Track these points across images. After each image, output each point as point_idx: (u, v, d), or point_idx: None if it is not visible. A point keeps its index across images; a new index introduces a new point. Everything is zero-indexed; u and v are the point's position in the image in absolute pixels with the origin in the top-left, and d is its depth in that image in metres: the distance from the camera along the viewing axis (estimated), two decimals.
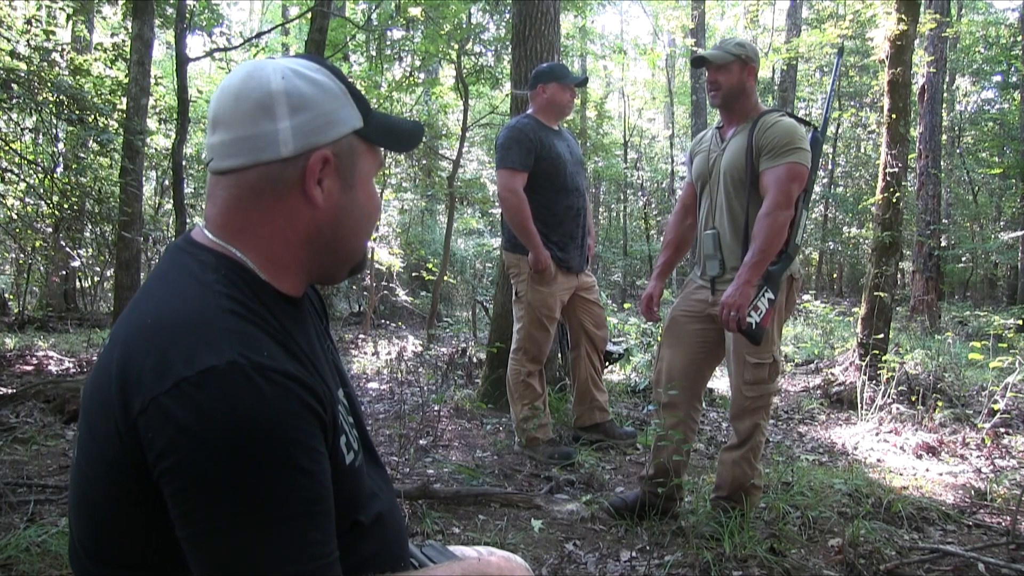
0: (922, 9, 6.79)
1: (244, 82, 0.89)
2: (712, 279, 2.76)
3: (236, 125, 0.88)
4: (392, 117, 1.01)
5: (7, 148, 6.77)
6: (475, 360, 5.93)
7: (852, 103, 17.43)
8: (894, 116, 5.52)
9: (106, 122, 6.41)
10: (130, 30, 6.69)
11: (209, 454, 0.74)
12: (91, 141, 6.67)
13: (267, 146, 0.88)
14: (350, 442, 0.93)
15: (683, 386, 2.80)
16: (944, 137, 14.39)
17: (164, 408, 0.75)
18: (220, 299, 0.84)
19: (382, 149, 1.00)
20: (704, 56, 2.70)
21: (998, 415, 4.27)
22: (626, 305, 11.54)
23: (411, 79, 10.41)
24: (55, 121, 6.96)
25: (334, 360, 1.04)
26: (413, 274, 11.14)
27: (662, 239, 2.99)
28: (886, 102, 5.61)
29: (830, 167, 17.38)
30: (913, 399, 4.75)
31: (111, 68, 7.90)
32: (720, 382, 5.90)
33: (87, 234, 7.98)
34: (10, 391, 4.35)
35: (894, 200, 5.44)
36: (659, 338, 3.18)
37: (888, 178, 5.47)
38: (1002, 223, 16.31)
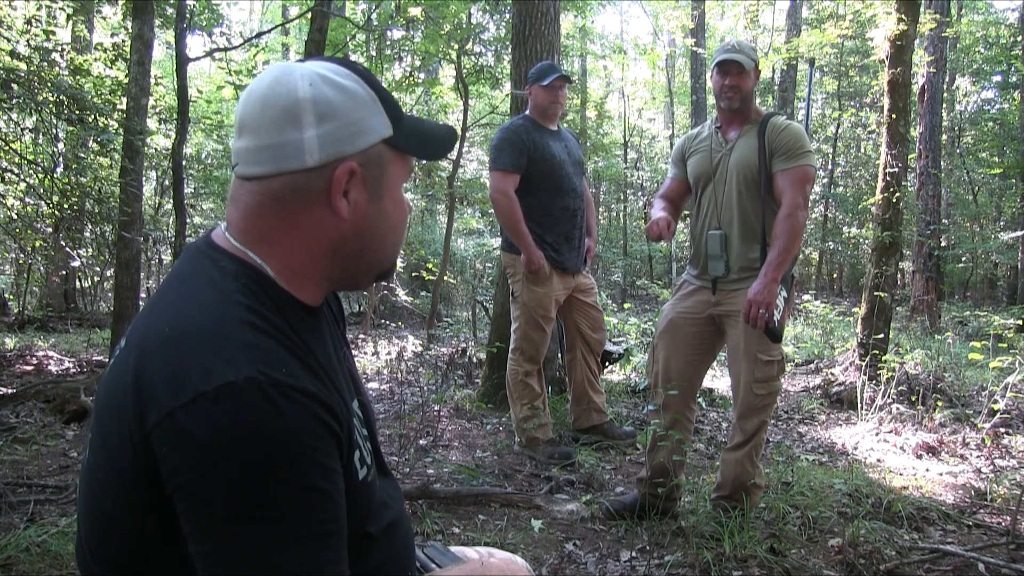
0: (922, 9, 6.79)
1: (271, 88, 0.88)
2: (715, 279, 2.76)
3: (262, 132, 0.87)
4: (424, 122, 0.99)
5: (7, 148, 6.77)
6: (475, 360, 5.93)
7: (852, 103, 17.42)
8: (894, 116, 5.52)
9: (106, 122, 6.40)
10: (130, 30, 6.68)
11: (224, 472, 0.73)
12: (91, 141, 6.67)
13: (292, 155, 0.86)
14: (363, 457, 0.92)
15: (680, 387, 2.80)
16: (944, 137, 14.39)
17: (180, 423, 0.74)
18: (239, 310, 0.83)
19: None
20: (737, 60, 2.66)
21: (998, 415, 4.27)
22: (626, 305, 11.54)
23: (411, 79, 10.40)
24: (55, 121, 6.95)
25: (350, 368, 1.03)
26: (413, 274, 11.13)
27: (657, 204, 2.94)
28: (886, 102, 5.61)
29: (830, 167, 17.38)
30: (913, 399, 4.75)
31: (111, 68, 7.89)
32: (721, 382, 5.90)
33: (87, 234, 7.97)
34: (10, 391, 4.36)
35: (894, 200, 5.44)
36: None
37: (888, 178, 5.47)
38: (1002, 223, 16.29)
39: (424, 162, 11.63)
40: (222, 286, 0.85)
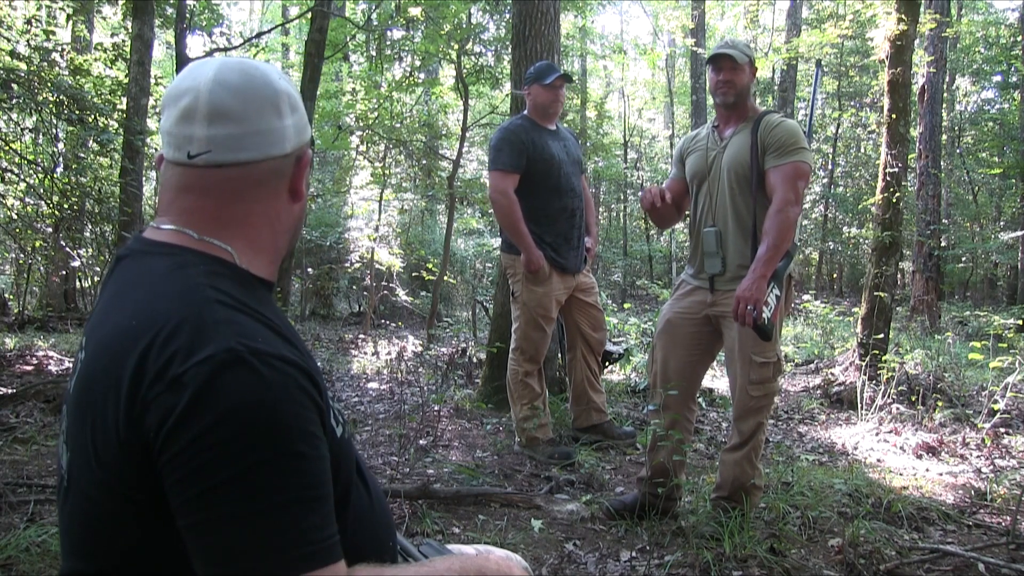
0: (922, 9, 6.78)
1: (247, 79, 0.92)
2: (711, 277, 2.76)
3: (247, 120, 0.90)
4: None
5: (7, 148, 6.77)
6: (475, 360, 5.92)
7: (852, 103, 17.42)
8: (894, 116, 5.51)
9: (106, 122, 6.41)
10: (130, 30, 6.69)
11: (209, 441, 0.75)
12: (91, 141, 6.67)
13: (276, 142, 0.93)
14: (337, 416, 0.94)
15: (679, 387, 2.80)
16: (944, 137, 14.38)
17: (166, 402, 0.76)
18: (206, 291, 0.85)
19: None
20: (729, 54, 2.66)
21: (998, 415, 4.26)
22: (626, 305, 11.54)
23: (411, 79, 10.41)
24: (55, 121, 6.96)
25: None
26: (413, 274, 11.13)
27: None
28: (886, 102, 5.61)
29: (830, 167, 17.36)
30: (913, 399, 4.75)
31: (111, 68, 7.89)
32: (721, 382, 5.90)
33: (87, 234, 7.97)
34: (10, 391, 4.35)
35: (894, 200, 5.44)
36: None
37: (888, 178, 5.47)
38: (1002, 223, 16.28)
39: (422, 161, 11.64)
40: (182, 273, 0.87)
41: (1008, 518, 2.98)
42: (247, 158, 0.91)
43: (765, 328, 2.47)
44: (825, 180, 16.95)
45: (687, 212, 3.06)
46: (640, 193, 2.90)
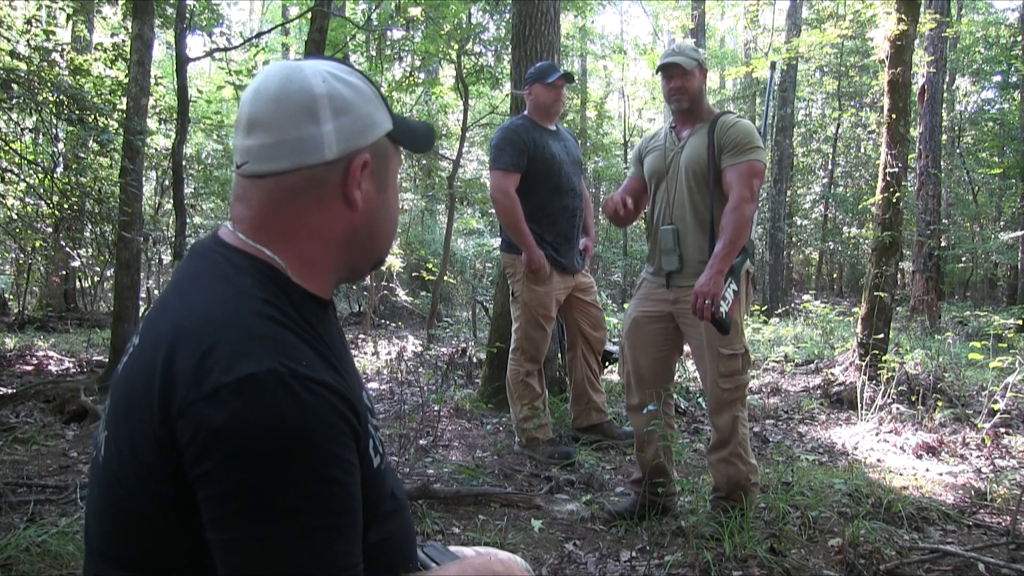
0: (922, 9, 6.78)
1: (283, 85, 0.89)
2: (668, 274, 2.79)
3: (278, 128, 0.88)
4: (407, 119, 1.03)
5: (7, 148, 6.77)
6: (475, 360, 5.93)
7: (852, 103, 17.42)
8: (894, 116, 5.51)
9: (106, 122, 6.40)
10: (130, 30, 6.68)
11: (243, 461, 0.74)
12: (91, 141, 6.67)
13: (311, 149, 0.89)
14: (376, 446, 0.93)
15: (653, 385, 2.85)
16: (944, 137, 14.38)
17: (201, 413, 0.75)
18: (257, 304, 0.84)
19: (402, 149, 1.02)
20: (677, 63, 2.74)
21: (998, 415, 4.26)
22: (626, 305, 11.55)
23: (411, 79, 10.41)
24: (55, 121, 6.95)
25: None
26: (413, 274, 11.13)
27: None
28: (886, 102, 5.61)
29: (830, 167, 17.37)
30: (913, 399, 4.75)
31: (111, 68, 7.89)
32: None
33: (87, 234, 7.97)
34: (10, 391, 4.36)
35: (894, 200, 5.43)
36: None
37: (888, 178, 5.47)
38: (1002, 223, 16.29)
39: (422, 161, 11.65)
40: (237, 281, 0.86)
41: (1008, 518, 2.98)
42: (280, 168, 0.89)
43: (723, 322, 2.52)
44: (825, 180, 16.96)
45: (644, 211, 3.11)
46: (603, 200, 2.95)
